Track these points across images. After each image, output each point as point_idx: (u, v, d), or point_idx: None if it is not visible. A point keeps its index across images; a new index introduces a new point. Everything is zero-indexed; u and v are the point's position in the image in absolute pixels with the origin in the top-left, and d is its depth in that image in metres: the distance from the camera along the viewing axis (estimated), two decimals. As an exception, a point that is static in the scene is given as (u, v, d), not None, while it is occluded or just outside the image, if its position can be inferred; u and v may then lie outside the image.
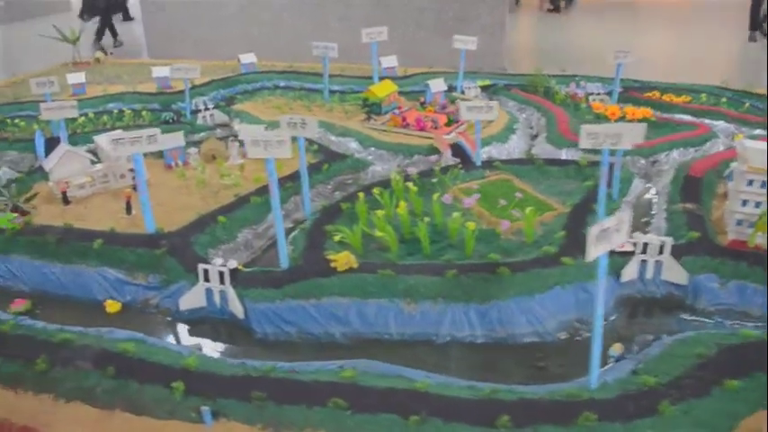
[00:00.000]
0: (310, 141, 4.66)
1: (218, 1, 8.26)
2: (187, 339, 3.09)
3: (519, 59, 8.22)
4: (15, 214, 3.76)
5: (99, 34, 9.95)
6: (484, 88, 6.25)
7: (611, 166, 4.33)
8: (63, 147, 4.23)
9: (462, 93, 6.05)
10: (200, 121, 5.57)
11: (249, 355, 2.90)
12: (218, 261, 3.19)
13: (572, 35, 10.73)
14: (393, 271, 3.13)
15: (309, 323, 3.07)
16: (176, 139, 4.38)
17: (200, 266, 3.14)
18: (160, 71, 6.35)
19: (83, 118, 5.32)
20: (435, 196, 3.64)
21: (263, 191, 4.05)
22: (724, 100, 5.85)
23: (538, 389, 2.52)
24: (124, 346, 2.67)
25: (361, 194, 3.68)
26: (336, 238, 3.42)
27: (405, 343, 3.04)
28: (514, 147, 5.05)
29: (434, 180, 4.10)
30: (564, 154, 4.86)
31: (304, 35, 8.05)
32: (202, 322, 3.20)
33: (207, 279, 3.17)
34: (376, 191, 3.81)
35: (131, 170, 4.23)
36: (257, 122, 5.31)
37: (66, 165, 4.17)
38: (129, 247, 3.47)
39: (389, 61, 6.34)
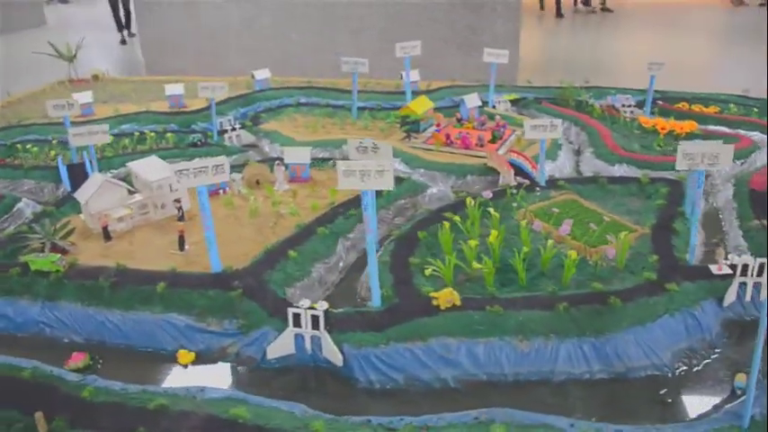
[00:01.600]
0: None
1: (217, 14, 7.88)
2: (287, 393, 2.73)
3: (533, 70, 8.02)
4: (58, 255, 3.39)
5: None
6: (513, 102, 6.06)
7: (679, 183, 4.22)
8: (99, 176, 3.85)
9: (493, 107, 5.84)
10: (226, 143, 5.21)
11: (359, 408, 2.64)
12: (306, 303, 2.89)
13: (575, 42, 10.68)
14: (500, 306, 2.90)
15: (417, 367, 2.80)
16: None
17: (290, 310, 2.84)
18: (173, 89, 5.93)
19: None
20: (524, 223, 3.42)
21: (325, 219, 3.77)
22: (755, 110, 5.78)
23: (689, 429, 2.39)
24: (235, 410, 2.36)
25: (446, 224, 3.42)
26: (428, 271, 3.15)
27: (520, 384, 2.81)
28: (564, 163, 4.86)
29: (514, 204, 3.88)
30: (616, 170, 4.71)
31: (313, 49, 7.74)
32: (293, 371, 2.88)
33: (295, 323, 2.87)
34: (457, 218, 3.56)
35: (176, 201, 3.89)
36: (290, 143, 5.00)
37: (103, 196, 3.79)
38: (197, 289, 3.15)
39: (412, 75, 6.07)
